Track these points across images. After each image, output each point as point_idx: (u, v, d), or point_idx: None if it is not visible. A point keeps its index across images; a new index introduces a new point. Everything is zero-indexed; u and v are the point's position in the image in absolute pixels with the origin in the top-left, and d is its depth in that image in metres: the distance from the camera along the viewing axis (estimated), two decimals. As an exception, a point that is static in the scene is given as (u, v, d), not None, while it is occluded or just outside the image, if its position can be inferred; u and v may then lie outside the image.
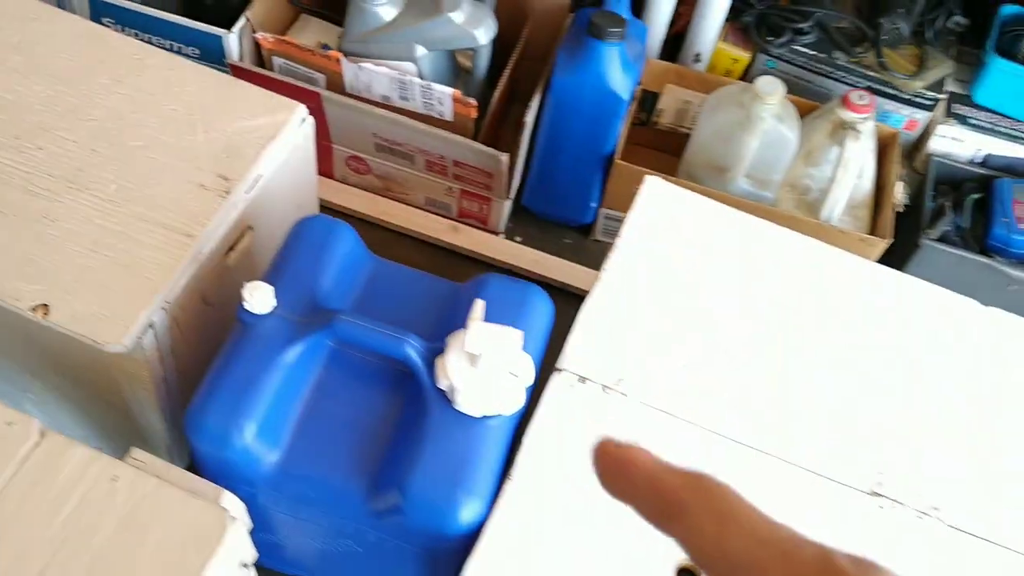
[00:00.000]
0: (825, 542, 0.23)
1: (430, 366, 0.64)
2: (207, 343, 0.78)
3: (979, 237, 1.07)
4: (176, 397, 0.76)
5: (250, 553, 0.62)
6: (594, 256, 1.09)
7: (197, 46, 0.96)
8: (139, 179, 0.72)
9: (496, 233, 1.06)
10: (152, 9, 0.95)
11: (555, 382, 0.67)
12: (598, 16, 0.90)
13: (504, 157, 0.92)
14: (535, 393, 0.67)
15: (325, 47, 1.01)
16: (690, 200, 0.79)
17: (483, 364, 0.62)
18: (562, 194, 1.04)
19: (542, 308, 0.70)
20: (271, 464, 0.62)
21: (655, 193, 0.79)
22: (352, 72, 0.94)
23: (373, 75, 0.93)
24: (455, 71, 1.00)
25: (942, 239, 1.04)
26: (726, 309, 0.73)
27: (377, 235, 1.05)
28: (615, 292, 0.72)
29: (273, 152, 0.76)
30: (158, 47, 0.97)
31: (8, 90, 0.75)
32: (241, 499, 0.61)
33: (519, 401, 0.63)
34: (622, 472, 0.25)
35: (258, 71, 0.95)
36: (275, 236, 0.83)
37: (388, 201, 1.05)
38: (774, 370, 0.71)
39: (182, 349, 0.73)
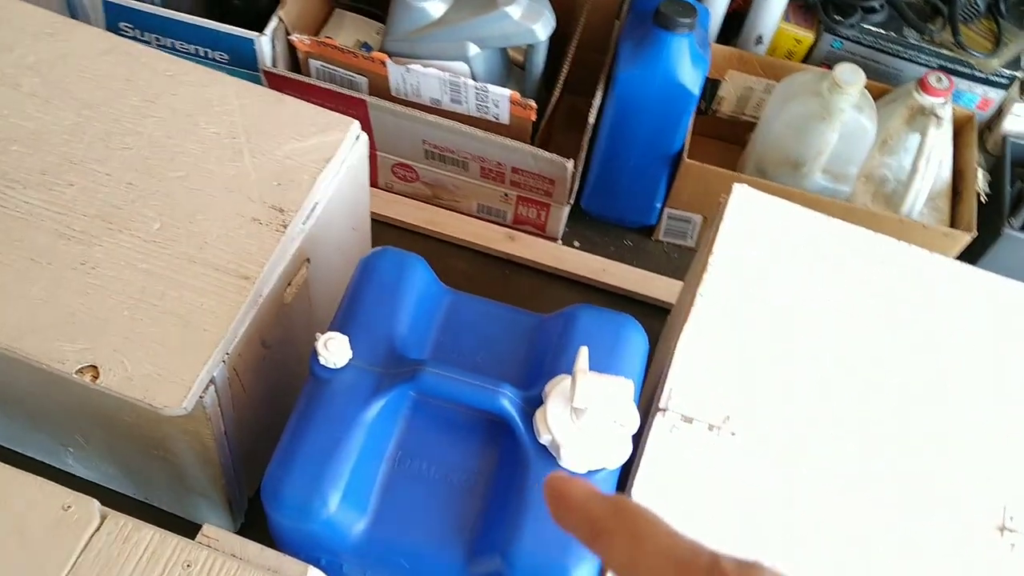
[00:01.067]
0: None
1: (527, 418, 0.57)
2: (266, 387, 0.71)
3: (1061, 222, 1.00)
4: (236, 449, 0.69)
5: (338, 634, 0.57)
6: (657, 258, 1.02)
7: (226, 51, 0.88)
8: (184, 215, 0.65)
9: (554, 239, 0.99)
10: (174, 12, 0.87)
11: (658, 424, 0.61)
12: (666, 5, 0.82)
13: (570, 164, 0.85)
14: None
15: (365, 46, 0.93)
16: (782, 209, 0.72)
17: (589, 417, 0.55)
18: (625, 195, 0.97)
19: (638, 343, 0.63)
20: (358, 532, 0.56)
21: (744, 203, 0.72)
22: (398, 75, 0.86)
23: (422, 77, 0.86)
24: (507, 68, 0.92)
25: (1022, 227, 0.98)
26: (833, 330, 0.67)
27: (427, 246, 0.98)
28: (712, 318, 0.66)
29: (329, 176, 0.69)
30: (182, 53, 0.90)
31: (28, 118, 0.68)
32: (324, 571, 0.55)
33: (626, 452, 0.57)
34: (561, 505, 0.28)
35: (295, 77, 0.87)
36: (331, 263, 0.76)
37: (437, 210, 0.98)
38: (888, 398, 0.64)
39: (241, 398, 0.67)
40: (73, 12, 0.90)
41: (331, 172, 0.69)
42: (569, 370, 0.58)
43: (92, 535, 0.53)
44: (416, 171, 0.95)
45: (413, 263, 0.64)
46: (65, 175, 0.65)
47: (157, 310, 0.61)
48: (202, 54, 0.89)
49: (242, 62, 0.88)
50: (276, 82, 0.88)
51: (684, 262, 1.01)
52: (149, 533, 0.53)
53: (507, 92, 0.85)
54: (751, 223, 0.71)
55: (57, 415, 0.70)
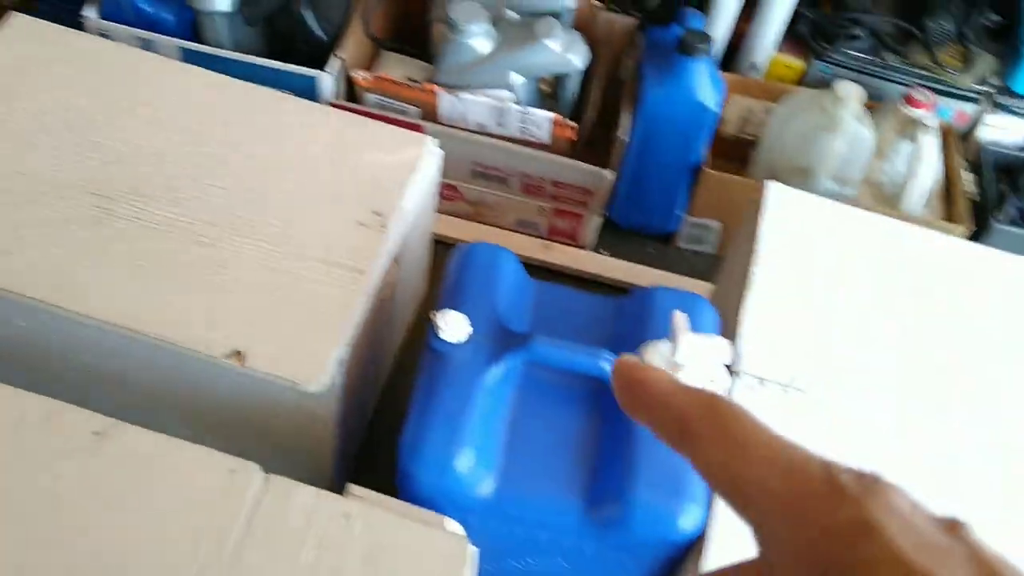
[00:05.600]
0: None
1: (626, 378, 0.66)
2: (360, 379, 0.79)
3: (1040, 216, 1.13)
4: (345, 436, 0.76)
5: (476, 580, 0.63)
6: (678, 263, 1.12)
7: (290, 88, 0.97)
8: (297, 220, 0.73)
9: (584, 248, 1.08)
10: (245, 56, 0.95)
11: (737, 385, 0.70)
12: (688, 35, 0.93)
13: (609, 174, 0.95)
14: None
15: (412, 80, 1.03)
16: (810, 201, 0.83)
17: (685, 375, 0.64)
18: (649, 205, 1.07)
19: (710, 318, 0.72)
20: (487, 488, 0.63)
21: (778, 197, 0.83)
22: (448, 103, 0.96)
23: (470, 104, 0.95)
24: (540, 97, 1.02)
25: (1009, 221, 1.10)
26: (870, 298, 0.77)
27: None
28: (766, 293, 0.75)
29: (414, 184, 0.78)
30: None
31: (150, 143, 0.76)
32: (452, 526, 0.62)
33: (718, 405, 0.65)
34: (636, 392, 0.25)
35: (357, 107, 0.96)
36: (409, 266, 0.84)
37: (477, 225, 1.07)
38: (931, 358, 0.74)
39: (348, 387, 0.74)
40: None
41: (415, 181, 0.78)
42: (655, 338, 0.67)
43: (257, 495, 0.59)
44: (460, 191, 1.04)
45: (505, 254, 0.73)
46: (189, 191, 0.73)
47: (288, 301, 0.68)
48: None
49: (305, 98, 0.97)
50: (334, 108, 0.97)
51: (703, 265, 1.11)
52: (307, 491, 0.60)
53: (549, 114, 0.94)
54: (786, 212, 0.81)
55: (173, 412, 0.76)
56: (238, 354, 0.65)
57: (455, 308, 0.69)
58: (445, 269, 0.74)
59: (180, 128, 0.77)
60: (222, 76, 0.81)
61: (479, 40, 0.94)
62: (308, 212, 0.74)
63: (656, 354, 0.65)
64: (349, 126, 0.80)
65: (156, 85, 0.79)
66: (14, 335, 0.71)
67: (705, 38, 0.94)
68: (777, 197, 0.82)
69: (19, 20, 0.83)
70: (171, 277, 0.68)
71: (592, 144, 1.06)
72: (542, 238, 1.08)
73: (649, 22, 1.05)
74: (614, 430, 0.65)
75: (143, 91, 0.79)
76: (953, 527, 0.21)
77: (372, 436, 0.90)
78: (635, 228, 1.11)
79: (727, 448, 0.23)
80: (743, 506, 0.23)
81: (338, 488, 0.82)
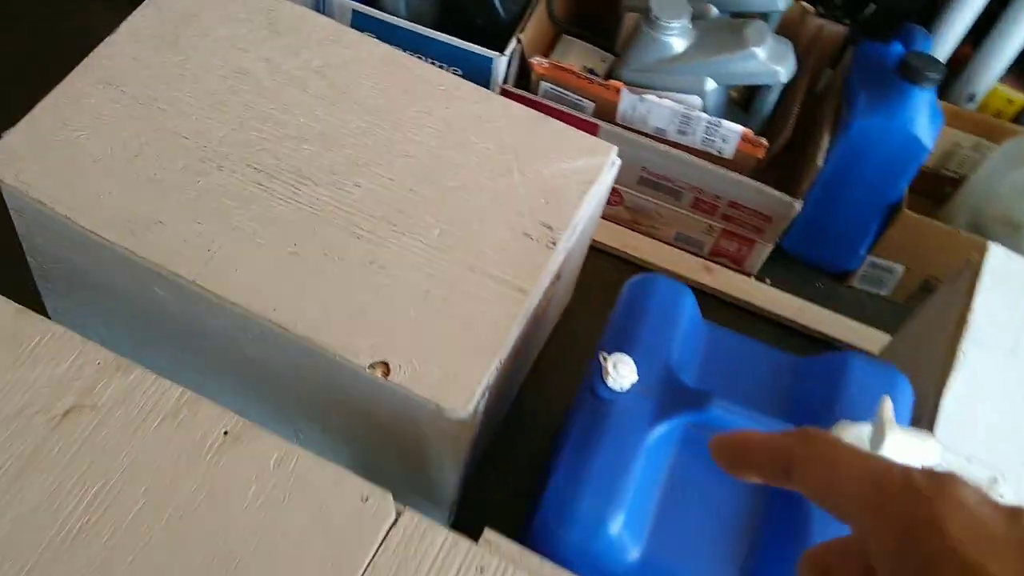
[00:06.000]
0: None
1: (808, 460, 0.58)
2: (499, 397, 0.73)
3: None
4: (473, 456, 0.71)
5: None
6: (849, 304, 1.01)
7: (461, 66, 0.91)
8: (462, 224, 0.67)
9: (748, 275, 0.99)
10: (419, 26, 0.90)
11: (929, 481, 0.61)
12: (915, 58, 0.82)
13: (798, 204, 0.85)
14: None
15: (590, 71, 0.95)
16: (1036, 272, 0.72)
17: (882, 467, 0.55)
18: (831, 238, 0.96)
19: (906, 397, 0.63)
20: (634, 556, 0.57)
21: (998, 263, 0.72)
22: (630, 103, 0.88)
23: (654, 107, 0.87)
24: (729, 106, 0.93)
25: None
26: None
27: (621, 268, 0.99)
28: (975, 375, 0.65)
29: (591, 198, 0.70)
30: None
31: (317, 120, 0.71)
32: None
33: (913, 508, 0.57)
34: (739, 452, 0.28)
35: (531, 97, 0.89)
36: (565, 279, 0.77)
37: (634, 234, 0.99)
38: None
39: (488, 407, 0.68)
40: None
41: (593, 195, 0.71)
42: (847, 415, 0.58)
43: (389, 529, 0.55)
44: (622, 196, 0.97)
45: (685, 293, 0.65)
46: (352, 176, 0.68)
47: (441, 314, 0.62)
48: (438, 67, 0.92)
49: (475, 78, 0.90)
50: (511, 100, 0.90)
51: (878, 311, 1.00)
52: (442, 533, 0.55)
53: (739, 128, 0.85)
54: (1008, 283, 0.70)
55: (302, 407, 0.72)
56: (384, 365, 0.60)
57: (624, 349, 0.62)
58: (617, 301, 0.67)
59: (350, 107, 0.72)
60: (397, 51, 0.76)
61: (675, 38, 0.85)
62: (474, 215, 0.68)
63: (852, 439, 0.57)
64: (529, 124, 0.73)
65: (329, 55, 0.74)
66: (157, 304, 0.69)
67: (936, 65, 0.83)
68: (999, 264, 0.71)
69: (198, -33, 0.79)
70: (322, 270, 0.63)
71: (773, 164, 0.96)
72: (703, 258, 0.99)
73: (864, 35, 0.94)
74: (782, 512, 0.58)
75: (315, 61, 0.74)
76: (1016, 514, 0.23)
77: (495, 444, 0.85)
78: (807, 260, 1.01)
79: (824, 466, 0.26)
80: (842, 515, 0.25)
81: (457, 501, 0.78)
